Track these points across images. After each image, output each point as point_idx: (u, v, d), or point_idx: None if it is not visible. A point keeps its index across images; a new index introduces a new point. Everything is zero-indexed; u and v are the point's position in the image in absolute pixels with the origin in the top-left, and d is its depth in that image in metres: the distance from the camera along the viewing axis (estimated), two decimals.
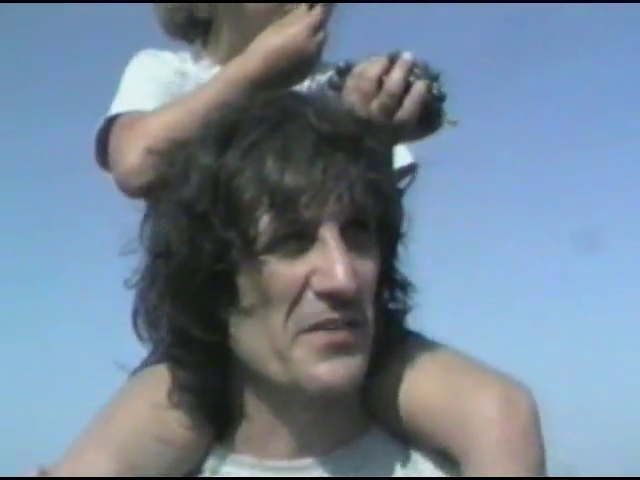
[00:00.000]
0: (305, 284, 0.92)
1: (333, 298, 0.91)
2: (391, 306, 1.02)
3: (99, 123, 1.21)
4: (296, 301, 0.92)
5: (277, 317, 0.92)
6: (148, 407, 1.00)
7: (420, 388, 1.00)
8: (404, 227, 1.01)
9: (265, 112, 0.95)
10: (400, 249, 1.02)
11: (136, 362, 1.11)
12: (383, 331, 0.98)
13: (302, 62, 1.16)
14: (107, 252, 1.06)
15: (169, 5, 1.29)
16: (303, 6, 1.18)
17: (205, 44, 1.31)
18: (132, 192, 1.14)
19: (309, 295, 0.92)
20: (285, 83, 1.16)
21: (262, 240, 0.91)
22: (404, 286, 1.03)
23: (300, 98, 0.99)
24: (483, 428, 0.95)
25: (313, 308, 0.91)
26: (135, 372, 1.10)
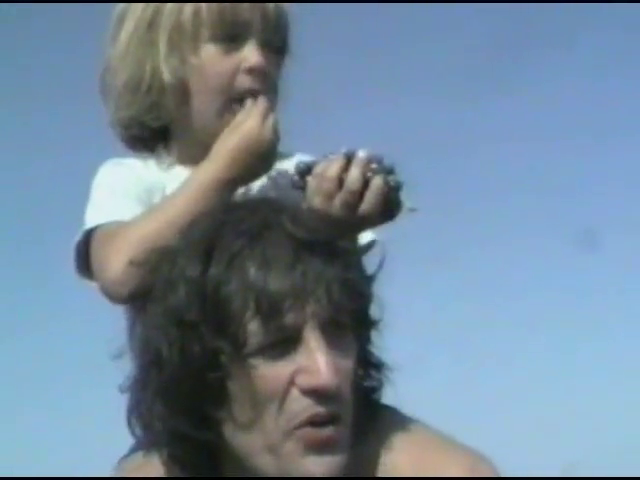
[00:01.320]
0: (291, 383, 1.00)
1: (317, 394, 0.99)
2: (366, 384, 1.10)
3: (78, 235, 1.27)
4: (284, 399, 1.00)
5: (267, 416, 1.00)
6: None
7: (393, 464, 1.08)
8: (378, 316, 1.10)
9: (244, 223, 1.02)
10: (374, 335, 1.10)
11: None
12: (359, 408, 1.06)
13: (263, 151, 1.24)
14: None
15: (124, 123, 1.36)
16: (248, 102, 1.27)
17: (164, 147, 1.38)
18: (117, 301, 1.21)
19: (294, 393, 1.00)
20: (253, 175, 1.24)
21: (250, 345, 0.99)
22: (378, 366, 1.12)
23: (276, 206, 1.06)
24: None
25: (299, 405, 1.00)
26: (125, 459, 1.17)
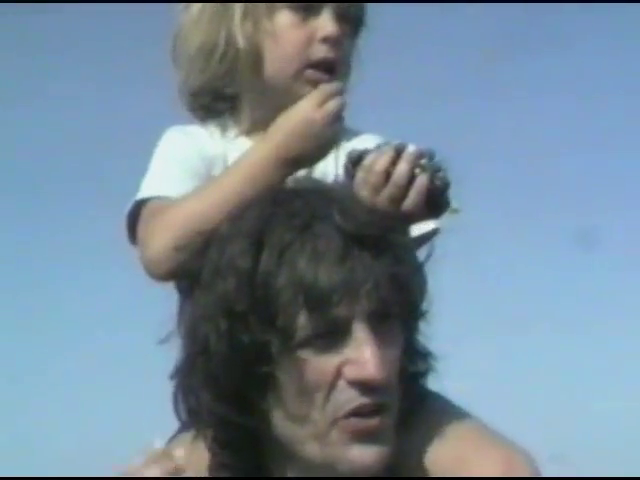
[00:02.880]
0: (338, 374, 1.01)
1: (364, 386, 1.00)
2: (412, 371, 1.11)
3: (128, 205, 1.27)
4: (330, 390, 1.01)
5: (315, 405, 1.01)
6: None
7: (434, 453, 1.09)
8: (425, 306, 1.10)
9: (294, 214, 1.02)
10: (422, 325, 1.11)
11: None
12: (405, 395, 1.07)
13: (316, 136, 1.21)
14: None
15: (194, 90, 1.35)
16: (324, 87, 1.24)
17: (231, 116, 1.36)
18: (157, 278, 1.21)
19: (342, 384, 1.01)
20: (307, 160, 1.22)
21: (299, 337, 1.00)
22: (425, 355, 1.12)
23: (326, 197, 1.06)
24: None
25: (346, 396, 1.01)
26: (171, 440, 1.17)
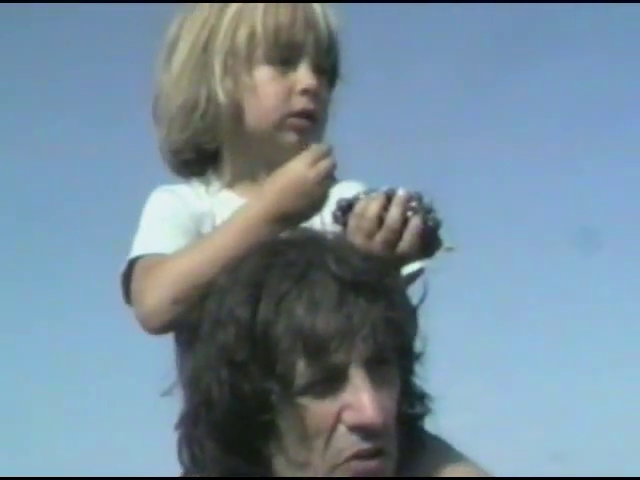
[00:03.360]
0: (337, 419, 1.03)
1: (363, 431, 1.02)
2: (410, 413, 1.12)
3: (122, 265, 1.29)
4: (331, 435, 1.03)
5: (315, 451, 1.03)
6: None
7: None
8: (420, 349, 1.13)
9: (290, 264, 1.05)
10: (417, 368, 1.13)
11: None
12: (403, 437, 1.09)
13: (310, 193, 1.23)
14: None
15: (176, 147, 1.37)
16: (316, 147, 1.26)
17: (214, 171, 1.39)
18: (153, 331, 1.23)
19: (341, 429, 1.03)
20: (300, 216, 1.23)
21: (298, 384, 1.02)
22: (421, 397, 1.14)
23: (320, 245, 1.09)
24: None
25: (346, 441, 1.03)
26: None
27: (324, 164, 1.24)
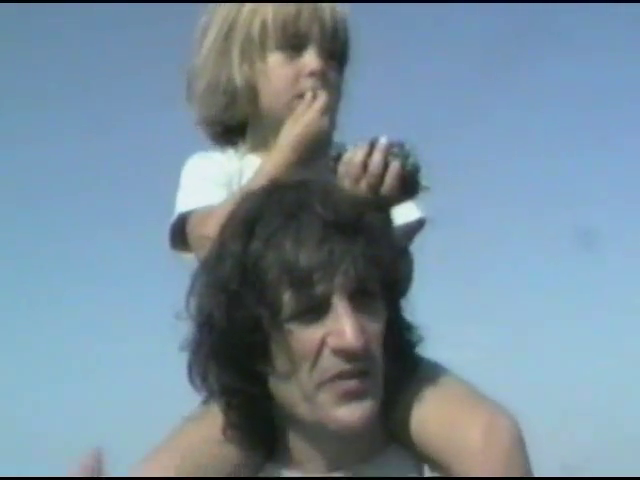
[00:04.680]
0: (322, 344, 1.14)
1: (345, 354, 1.13)
2: (400, 341, 1.22)
3: (172, 217, 1.50)
4: (317, 358, 1.14)
5: (303, 371, 1.14)
6: (205, 437, 1.24)
7: (424, 415, 1.22)
8: (406, 283, 1.24)
9: (281, 204, 1.16)
10: (404, 301, 1.23)
11: None
12: (397, 363, 1.19)
13: (320, 140, 1.44)
14: None
15: (207, 121, 1.59)
16: (308, 95, 1.47)
17: (242, 139, 1.59)
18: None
19: (326, 352, 1.14)
20: (310, 160, 1.42)
21: (285, 312, 1.13)
22: (410, 328, 1.25)
23: (310, 189, 1.19)
24: (469, 457, 1.16)
25: (330, 363, 1.14)
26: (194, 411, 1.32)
27: (320, 100, 1.46)
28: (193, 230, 1.46)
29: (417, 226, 1.46)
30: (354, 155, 1.27)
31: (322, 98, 1.47)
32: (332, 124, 1.47)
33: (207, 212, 1.42)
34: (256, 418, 1.22)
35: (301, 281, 1.12)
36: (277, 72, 1.51)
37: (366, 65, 1.59)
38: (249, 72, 1.52)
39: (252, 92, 1.53)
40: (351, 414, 1.14)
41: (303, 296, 1.13)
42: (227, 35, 1.53)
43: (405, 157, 1.26)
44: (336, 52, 1.53)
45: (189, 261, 1.44)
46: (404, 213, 1.37)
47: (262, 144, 1.54)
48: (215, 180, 1.51)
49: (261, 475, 1.26)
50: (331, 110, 1.47)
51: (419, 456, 1.23)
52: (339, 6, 1.54)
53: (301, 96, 1.49)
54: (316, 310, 1.14)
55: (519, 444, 1.17)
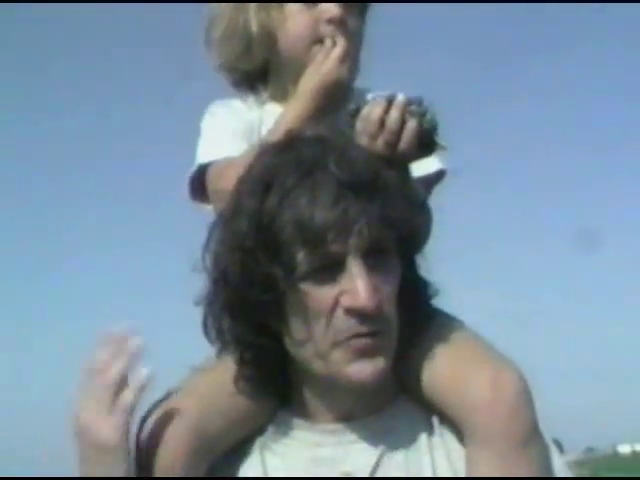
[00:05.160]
0: (336, 303, 1.15)
1: (358, 314, 1.14)
2: (415, 297, 1.24)
3: (192, 169, 1.51)
4: (330, 317, 1.15)
5: (317, 329, 1.15)
6: (219, 386, 1.25)
7: (435, 368, 1.23)
8: (422, 240, 1.25)
9: (297, 162, 1.16)
10: (420, 258, 1.25)
11: None
12: (410, 318, 1.21)
13: (339, 90, 1.46)
14: None
15: (225, 67, 1.60)
16: (327, 42, 1.47)
17: (263, 86, 1.60)
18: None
19: (340, 312, 1.15)
20: (330, 110, 1.43)
21: (300, 271, 1.14)
22: (424, 282, 1.26)
23: (325, 146, 1.19)
24: (477, 410, 1.18)
25: (344, 323, 1.15)
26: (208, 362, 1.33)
27: (348, 61, 1.47)
28: (211, 182, 1.47)
29: (436, 178, 1.47)
30: (371, 111, 1.25)
31: (341, 46, 1.46)
32: (352, 72, 1.48)
33: (225, 164, 1.43)
34: (269, 371, 1.24)
35: (315, 240, 1.12)
36: (295, 18, 1.50)
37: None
38: (266, 19, 1.52)
39: (269, 39, 1.53)
40: (363, 371, 1.16)
41: (317, 255, 1.13)
42: None
43: (422, 115, 1.25)
44: None
45: (208, 213, 1.44)
46: (423, 165, 1.36)
47: (282, 91, 1.55)
48: (234, 130, 1.52)
49: (274, 423, 1.28)
50: (351, 58, 1.47)
51: (428, 407, 1.25)
52: None
53: (320, 42, 1.49)
54: (330, 269, 1.14)
55: (525, 396, 1.19)
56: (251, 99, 1.59)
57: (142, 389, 1.16)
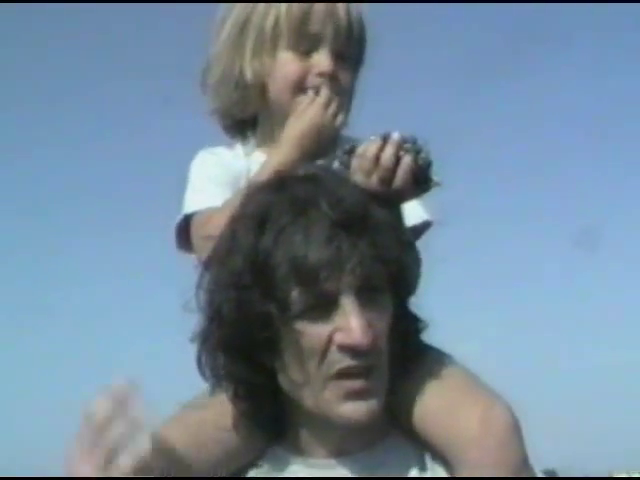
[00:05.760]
0: (330, 341, 1.16)
1: (352, 350, 1.16)
2: (406, 333, 1.25)
3: (178, 218, 1.53)
4: (324, 354, 1.16)
5: (310, 367, 1.17)
6: (210, 422, 1.26)
7: (425, 403, 1.25)
8: (414, 278, 1.25)
9: (290, 200, 1.17)
10: (412, 295, 1.26)
11: None
12: (402, 354, 1.23)
13: (324, 136, 1.48)
14: None
15: (219, 112, 1.62)
16: (310, 92, 1.50)
17: (252, 134, 1.62)
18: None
19: (333, 349, 1.16)
20: (315, 157, 1.45)
21: (294, 309, 1.15)
22: (415, 319, 1.28)
23: (317, 184, 1.21)
24: (466, 444, 1.20)
25: (337, 358, 1.16)
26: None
27: (333, 108, 1.48)
28: (195, 231, 1.50)
29: (422, 228, 1.49)
30: (367, 149, 1.27)
31: (325, 93, 1.49)
32: (341, 122, 1.49)
33: (208, 214, 1.46)
34: (263, 406, 1.24)
35: (309, 278, 1.14)
36: (285, 66, 1.52)
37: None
38: (259, 67, 1.54)
39: (261, 87, 1.55)
40: (356, 411, 1.17)
41: (311, 293, 1.15)
42: (242, 29, 1.55)
43: (417, 152, 1.27)
44: (350, 53, 1.54)
45: (193, 261, 1.44)
46: (410, 215, 1.38)
47: (270, 140, 1.56)
48: (219, 180, 1.53)
49: (267, 457, 1.28)
50: (340, 108, 1.49)
51: (420, 443, 1.26)
52: (355, 6, 1.54)
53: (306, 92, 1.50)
54: (324, 307, 1.16)
55: (515, 432, 1.20)
56: (239, 147, 1.61)
57: (140, 457, 1.08)
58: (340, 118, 1.50)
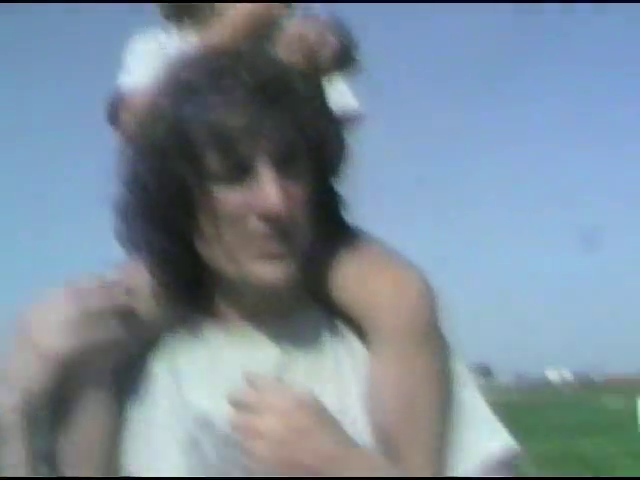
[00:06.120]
0: (246, 206, 1.18)
1: (268, 217, 1.18)
2: (327, 207, 1.29)
3: (110, 94, 1.60)
4: (241, 220, 1.19)
5: (229, 232, 1.19)
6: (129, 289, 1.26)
7: (342, 272, 1.28)
8: (336, 153, 1.27)
9: (211, 69, 1.20)
10: (337, 171, 1.28)
11: None
12: (320, 227, 1.25)
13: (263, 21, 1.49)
14: None
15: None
16: None
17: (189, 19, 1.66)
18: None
19: (250, 215, 1.19)
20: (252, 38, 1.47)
21: (211, 173, 1.18)
22: (336, 195, 1.30)
23: (240, 57, 1.23)
24: (379, 311, 1.22)
25: (254, 226, 1.19)
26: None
27: None
28: (122, 111, 1.55)
29: (352, 117, 1.52)
30: (292, 27, 1.33)
31: None
32: (284, 11, 1.49)
33: (132, 92, 1.51)
34: (181, 274, 1.26)
35: (226, 142, 1.16)
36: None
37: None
38: None
39: None
40: (271, 272, 1.20)
41: (227, 157, 1.17)
42: None
43: (342, 33, 1.33)
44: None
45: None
46: (341, 101, 1.42)
47: (205, 22, 1.60)
48: (151, 60, 1.53)
49: (184, 324, 1.31)
50: None
51: (336, 314, 1.29)
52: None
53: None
54: (241, 173, 1.18)
55: (427, 296, 1.24)
56: (174, 31, 1.65)
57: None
58: (282, 6, 1.52)
